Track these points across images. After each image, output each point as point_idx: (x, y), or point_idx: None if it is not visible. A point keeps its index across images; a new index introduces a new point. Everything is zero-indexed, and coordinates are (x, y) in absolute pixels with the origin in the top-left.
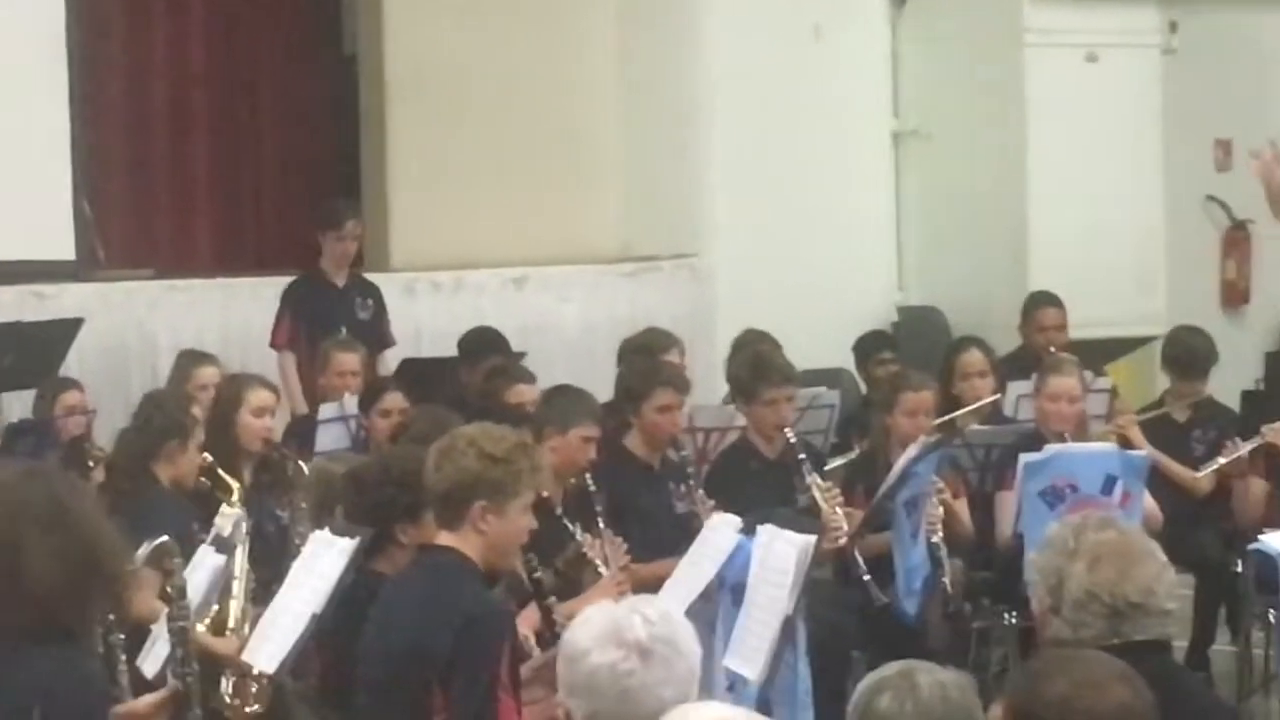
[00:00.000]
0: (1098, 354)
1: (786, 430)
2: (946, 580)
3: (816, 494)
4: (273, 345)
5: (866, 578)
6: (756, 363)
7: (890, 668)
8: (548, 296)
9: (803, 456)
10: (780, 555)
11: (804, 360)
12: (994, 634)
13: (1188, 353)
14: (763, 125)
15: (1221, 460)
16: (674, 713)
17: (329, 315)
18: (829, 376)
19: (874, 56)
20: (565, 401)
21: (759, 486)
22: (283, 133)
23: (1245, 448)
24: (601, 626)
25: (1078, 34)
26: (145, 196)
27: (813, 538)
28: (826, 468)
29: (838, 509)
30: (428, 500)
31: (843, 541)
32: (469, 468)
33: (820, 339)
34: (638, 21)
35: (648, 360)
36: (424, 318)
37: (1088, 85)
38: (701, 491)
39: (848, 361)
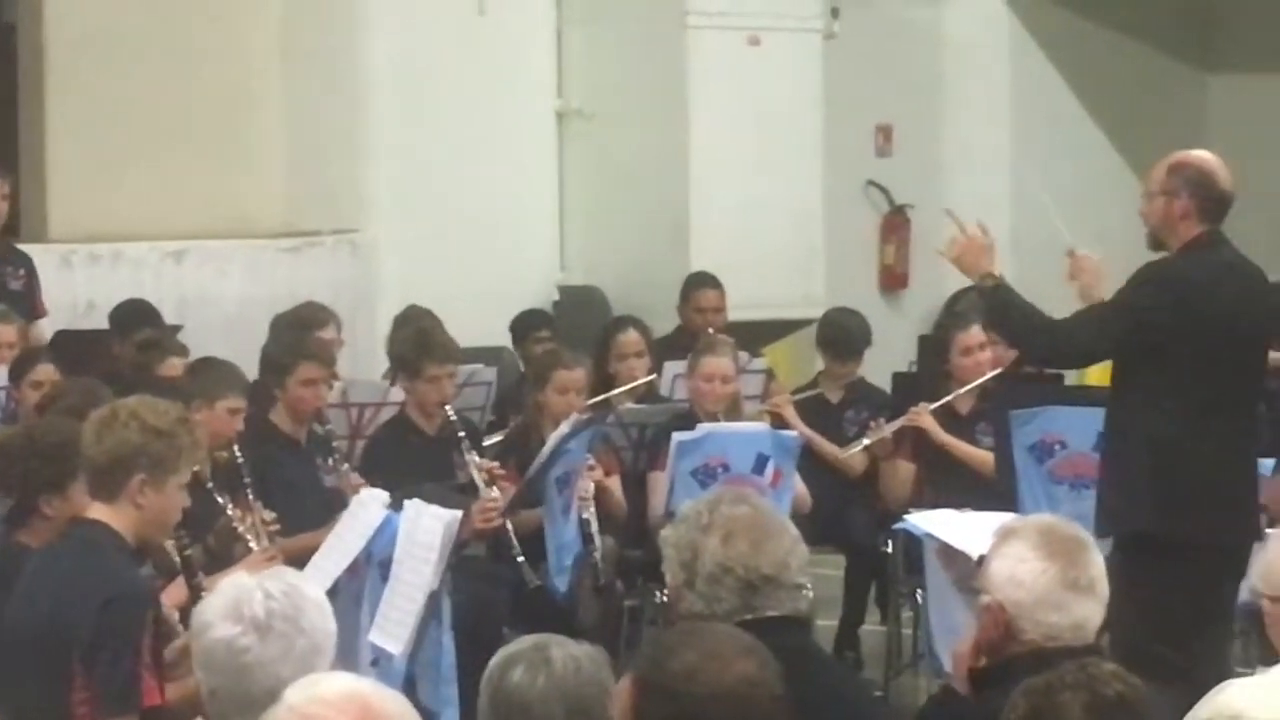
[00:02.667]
0: (756, 335)
1: (447, 407)
2: (598, 555)
3: (474, 472)
4: None
5: (520, 559)
6: (420, 339)
7: (524, 641)
8: (207, 270)
9: (462, 434)
10: (426, 530)
11: (466, 338)
12: (645, 612)
13: (842, 333)
14: (427, 100)
15: (866, 441)
16: (301, 683)
17: None
18: (490, 354)
19: (538, 34)
20: (211, 373)
21: (418, 462)
22: None
23: (889, 428)
24: (225, 601)
25: (740, 16)
26: None
27: (458, 513)
28: (483, 445)
29: (495, 488)
30: (74, 472)
31: (498, 522)
32: (130, 440)
33: (482, 317)
34: None
35: (292, 334)
36: (81, 289)
37: (750, 68)
38: (346, 466)
39: (509, 339)
